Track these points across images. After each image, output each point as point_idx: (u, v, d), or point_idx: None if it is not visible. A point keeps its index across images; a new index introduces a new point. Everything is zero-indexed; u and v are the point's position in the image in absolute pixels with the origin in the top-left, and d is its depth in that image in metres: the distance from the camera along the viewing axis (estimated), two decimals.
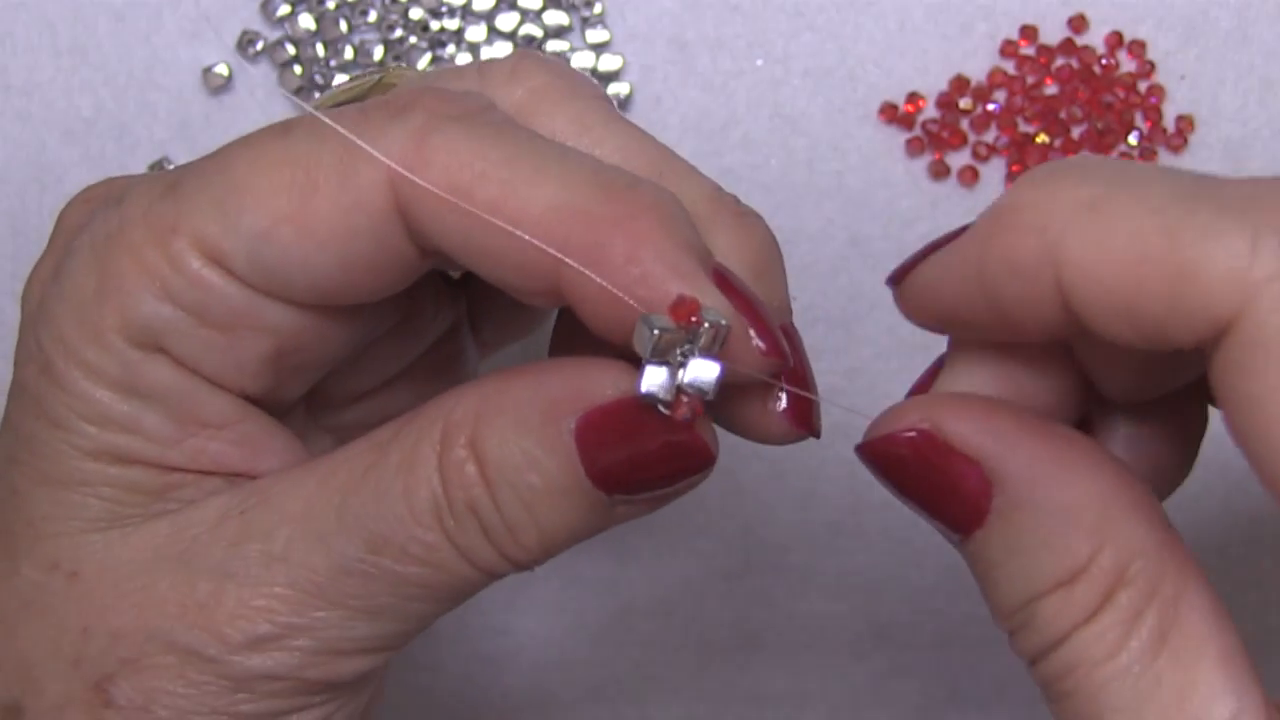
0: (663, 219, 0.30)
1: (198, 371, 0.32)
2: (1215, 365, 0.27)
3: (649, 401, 0.29)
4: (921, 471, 0.30)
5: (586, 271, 0.29)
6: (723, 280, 0.30)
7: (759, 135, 0.53)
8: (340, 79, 0.53)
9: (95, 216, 0.33)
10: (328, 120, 0.31)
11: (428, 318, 0.38)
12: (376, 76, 0.40)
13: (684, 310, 0.29)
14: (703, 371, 0.29)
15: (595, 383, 0.30)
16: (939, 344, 0.34)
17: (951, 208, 0.53)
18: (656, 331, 0.29)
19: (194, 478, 0.33)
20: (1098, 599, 0.29)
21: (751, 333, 0.30)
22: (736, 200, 0.34)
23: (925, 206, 0.54)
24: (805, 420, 0.32)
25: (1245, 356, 0.26)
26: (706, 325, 0.29)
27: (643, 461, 0.30)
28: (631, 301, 0.29)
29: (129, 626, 0.32)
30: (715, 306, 0.29)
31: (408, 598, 0.31)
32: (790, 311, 0.34)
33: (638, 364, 0.30)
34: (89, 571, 0.32)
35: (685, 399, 0.29)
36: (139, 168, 0.53)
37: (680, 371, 0.29)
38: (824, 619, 0.55)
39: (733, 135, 0.53)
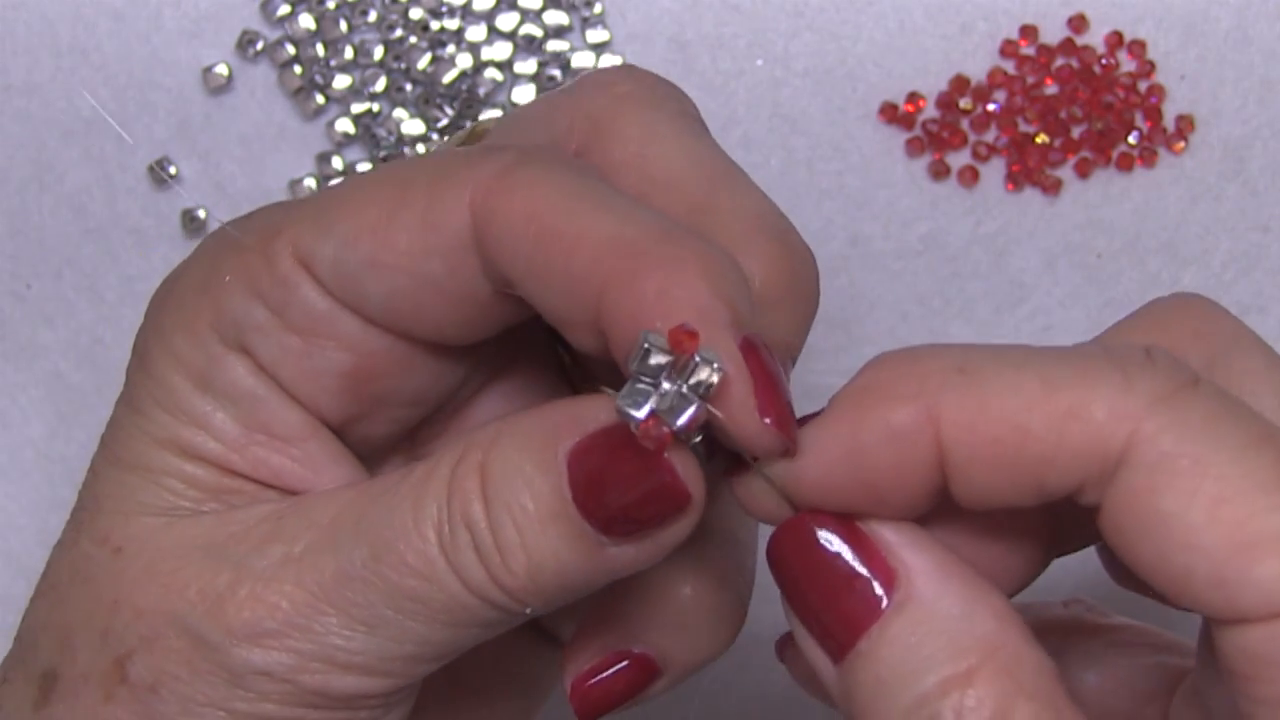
0: (708, 270, 0.30)
1: (275, 378, 0.34)
2: (1111, 500, 0.28)
3: (622, 418, 0.30)
4: (826, 560, 0.30)
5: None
6: (749, 345, 0.30)
7: (759, 135, 0.53)
8: (341, 79, 0.54)
9: (224, 226, 0.35)
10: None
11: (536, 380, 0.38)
12: (467, 129, 0.41)
13: (680, 338, 0.29)
14: (677, 404, 0.29)
15: (593, 410, 0.31)
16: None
17: (951, 208, 0.54)
18: (645, 347, 0.29)
19: (252, 487, 0.34)
20: (994, 702, 0.29)
21: (754, 401, 0.30)
22: (787, 228, 0.34)
23: (925, 206, 0.54)
24: (784, 425, 0.31)
25: (1147, 479, 0.28)
26: (698, 360, 0.29)
27: (623, 494, 0.30)
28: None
29: (153, 606, 0.33)
30: (722, 354, 0.29)
31: (404, 612, 0.32)
32: (795, 354, 0.34)
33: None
34: (132, 549, 0.33)
35: (653, 424, 0.29)
36: (139, 168, 0.53)
37: (659, 394, 0.29)
38: None
39: (733, 135, 0.53)
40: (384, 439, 0.36)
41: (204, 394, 0.33)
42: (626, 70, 0.36)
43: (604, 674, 0.34)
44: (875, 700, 0.29)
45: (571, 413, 0.31)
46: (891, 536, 0.30)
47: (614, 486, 0.30)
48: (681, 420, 0.29)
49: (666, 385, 0.29)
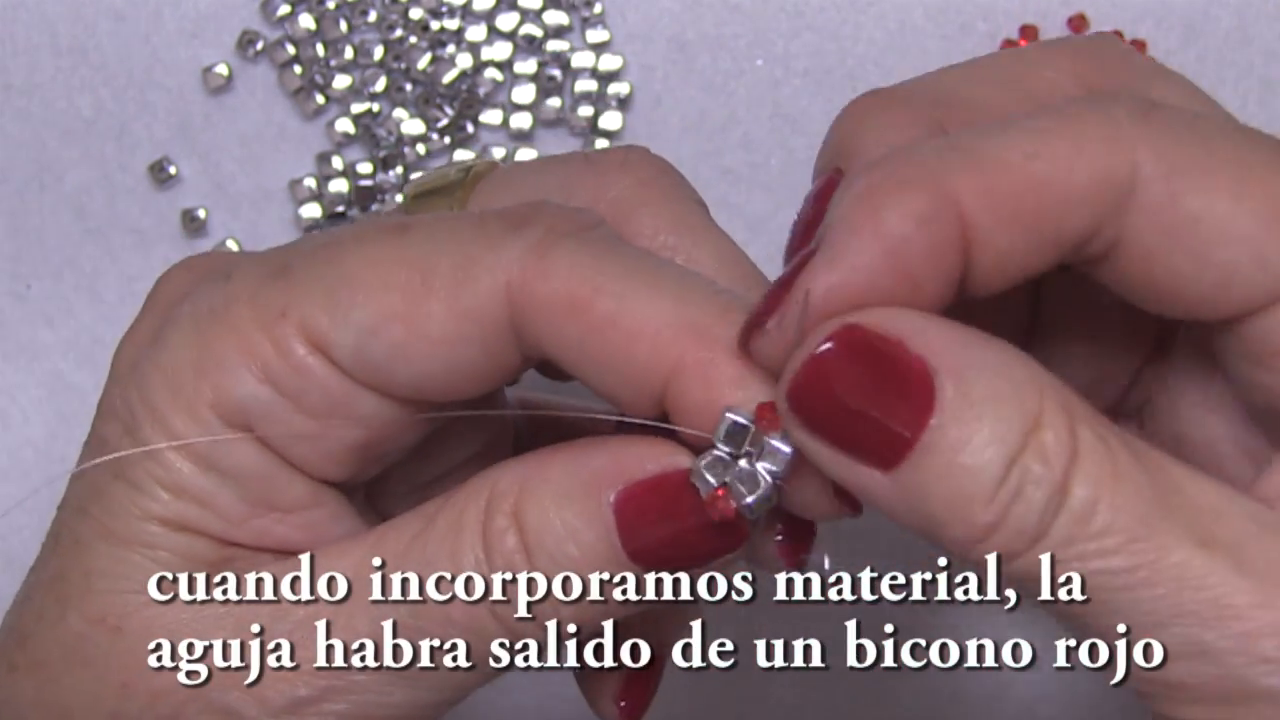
0: None
1: (283, 456, 0.33)
2: (1132, 227, 0.29)
3: (695, 484, 0.30)
4: (865, 375, 0.28)
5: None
6: None
7: (759, 135, 0.54)
8: (341, 79, 0.54)
9: (199, 289, 0.33)
10: None
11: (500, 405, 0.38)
12: (466, 167, 0.39)
13: (766, 413, 0.29)
14: (749, 484, 0.30)
15: (637, 458, 0.31)
16: None
17: None
18: (729, 419, 0.29)
19: (251, 554, 0.33)
20: (1067, 433, 0.28)
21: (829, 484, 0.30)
22: None
23: None
24: (795, 558, 0.33)
25: (1165, 187, 0.29)
26: (774, 439, 0.30)
27: (678, 538, 0.30)
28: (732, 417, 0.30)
29: (169, 686, 0.32)
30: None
31: (444, 663, 0.31)
32: None
33: (680, 443, 0.31)
34: (133, 628, 0.32)
35: (721, 496, 0.30)
36: (139, 168, 0.53)
37: (734, 469, 0.30)
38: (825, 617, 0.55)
39: (733, 135, 0.53)
40: (362, 482, 0.35)
41: (207, 473, 0.32)
42: (643, 154, 0.36)
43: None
44: (956, 484, 0.28)
45: (611, 460, 0.31)
46: (911, 323, 0.28)
47: (667, 533, 0.30)
48: (750, 500, 0.30)
49: (743, 463, 0.30)
